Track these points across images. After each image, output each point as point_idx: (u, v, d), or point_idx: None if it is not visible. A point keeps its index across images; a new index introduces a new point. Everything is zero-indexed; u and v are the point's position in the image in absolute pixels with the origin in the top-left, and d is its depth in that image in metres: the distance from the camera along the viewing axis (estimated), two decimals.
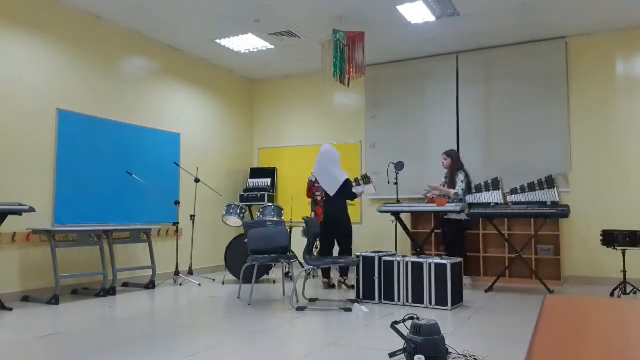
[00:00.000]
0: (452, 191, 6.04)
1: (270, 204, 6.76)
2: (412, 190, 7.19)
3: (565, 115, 6.50)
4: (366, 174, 6.53)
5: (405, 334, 2.93)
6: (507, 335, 3.66)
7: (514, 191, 6.58)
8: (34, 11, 5.29)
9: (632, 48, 6.25)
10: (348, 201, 6.08)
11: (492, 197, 6.61)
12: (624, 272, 5.18)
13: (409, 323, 2.98)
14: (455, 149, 6.89)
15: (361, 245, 7.62)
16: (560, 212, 5.56)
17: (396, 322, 3.05)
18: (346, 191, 5.92)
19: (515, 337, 3.62)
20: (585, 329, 0.96)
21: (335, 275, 6.46)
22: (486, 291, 5.71)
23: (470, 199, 6.78)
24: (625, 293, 5.14)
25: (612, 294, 5.29)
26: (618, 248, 5.08)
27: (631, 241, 4.99)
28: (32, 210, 4.63)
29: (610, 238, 5.13)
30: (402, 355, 2.97)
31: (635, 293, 5.22)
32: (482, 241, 6.61)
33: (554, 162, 6.50)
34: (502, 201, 6.56)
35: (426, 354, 2.76)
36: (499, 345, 3.37)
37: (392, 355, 3.09)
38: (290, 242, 6.02)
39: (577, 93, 6.49)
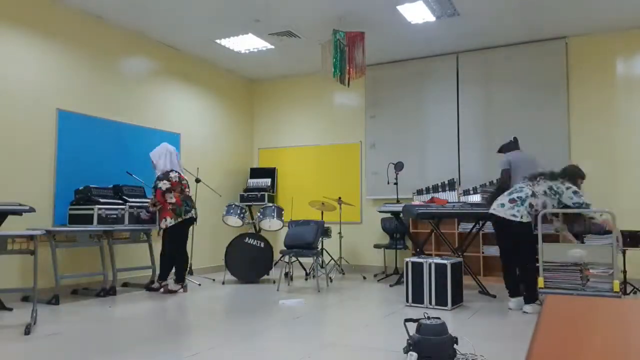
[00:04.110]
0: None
1: (271, 204, 6.76)
2: (411, 190, 7.19)
3: (565, 116, 6.50)
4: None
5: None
6: (507, 335, 3.66)
7: None
8: (34, 11, 5.29)
9: (633, 48, 6.25)
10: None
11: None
12: (624, 272, 5.18)
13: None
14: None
15: (361, 245, 7.62)
16: None
17: (409, 320, 3.06)
18: None
19: (515, 337, 3.62)
20: (585, 329, 0.96)
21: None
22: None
23: (473, 198, 6.78)
24: (625, 293, 5.14)
25: None
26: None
27: (631, 241, 4.99)
28: (32, 210, 4.63)
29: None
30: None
31: (635, 293, 5.22)
32: (481, 241, 6.61)
33: (553, 162, 6.49)
34: None
35: (421, 352, 2.75)
36: (499, 345, 3.37)
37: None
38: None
39: (577, 93, 6.49)
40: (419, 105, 7.39)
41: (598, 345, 0.83)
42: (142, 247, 6.31)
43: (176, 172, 5.61)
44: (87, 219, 5.28)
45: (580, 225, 4.52)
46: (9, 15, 5.05)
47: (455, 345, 2.87)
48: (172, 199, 5.47)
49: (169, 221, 5.46)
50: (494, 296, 5.30)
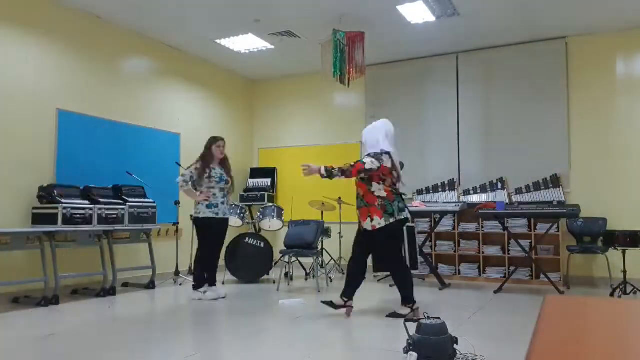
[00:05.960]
0: None
1: (271, 204, 6.76)
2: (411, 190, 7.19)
3: (565, 115, 6.50)
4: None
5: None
6: (507, 335, 3.66)
7: (519, 191, 6.58)
8: (34, 11, 5.29)
9: (632, 48, 6.25)
10: None
11: (497, 196, 6.63)
12: (624, 272, 5.18)
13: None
14: (456, 149, 6.68)
15: None
16: (571, 212, 5.40)
17: (408, 319, 3.06)
18: None
19: (515, 337, 3.62)
20: (585, 329, 0.96)
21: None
22: (495, 292, 5.64)
23: (473, 198, 6.78)
24: (625, 293, 5.13)
25: (612, 294, 5.29)
26: (618, 248, 5.08)
27: (631, 241, 4.99)
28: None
29: (611, 238, 5.12)
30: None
31: (635, 293, 5.22)
32: (481, 241, 6.59)
33: (553, 162, 6.50)
34: (508, 201, 6.56)
35: (421, 352, 2.75)
36: (499, 345, 3.37)
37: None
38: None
39: (577, 93, 6.49)
40: (419, 105, 7.38)
41: (597, 345, 0.83)
42: (142, 247, 6.30)
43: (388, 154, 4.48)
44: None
45: None
46: (9, 15, 5.05)
47: (455, 345, 2.87)
48: (381, 191, 4.34)
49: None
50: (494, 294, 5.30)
